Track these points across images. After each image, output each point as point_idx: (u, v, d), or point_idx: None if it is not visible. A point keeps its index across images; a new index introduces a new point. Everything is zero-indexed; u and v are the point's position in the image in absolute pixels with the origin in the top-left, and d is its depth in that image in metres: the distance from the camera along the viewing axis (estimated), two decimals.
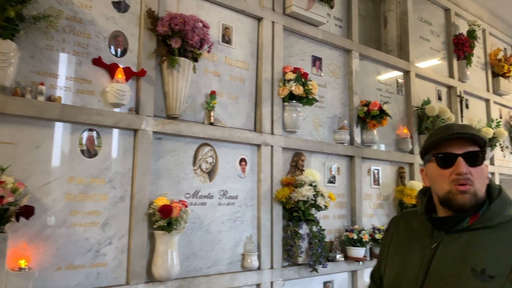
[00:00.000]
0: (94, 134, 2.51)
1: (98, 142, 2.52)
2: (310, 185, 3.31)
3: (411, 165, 4.60)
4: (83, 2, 2.55)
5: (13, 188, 2.01)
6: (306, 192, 3.24)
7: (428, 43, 5.23)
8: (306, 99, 3.48)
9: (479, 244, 1.28)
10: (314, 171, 3.44)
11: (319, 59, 3.91)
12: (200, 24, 2.83)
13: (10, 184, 1.99)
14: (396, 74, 4.71)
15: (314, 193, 3.27)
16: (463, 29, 5.69)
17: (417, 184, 4.28)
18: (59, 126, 2.38)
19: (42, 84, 2.33)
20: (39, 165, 2.29)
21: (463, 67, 5.53)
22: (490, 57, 6.19)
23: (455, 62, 5.49)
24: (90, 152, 2.49)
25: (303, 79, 3.46)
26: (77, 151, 2.43)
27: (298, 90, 3.38)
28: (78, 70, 2.50)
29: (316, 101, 3.55)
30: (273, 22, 3.48)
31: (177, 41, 2.72)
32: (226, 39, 3.24)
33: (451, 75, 5.43)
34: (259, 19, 3.44)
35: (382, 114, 4.05)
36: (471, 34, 5.59)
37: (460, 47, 5.46)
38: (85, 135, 2.47)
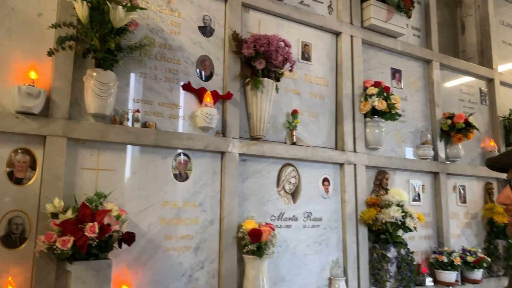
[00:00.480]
0: (185, 158, 2.53)
1: (189, 165, 2.53)
2: (397, 205, 3.13)
3: (499, 180, 4.25)
4: (172, 28, 2.60)
5: (117, 215, 2.05)
6: (394, 213, 3.06)
7: None
8: (389, 114, 3.32)
9: None
10: (400, 190, 3.26)
11: (399, 71, 3.73)
12: (282, 44, 2.79)
13: (115, 212, 2.04)
14: (479, 82, 4.40)
15: (403, 214, 3.09)
16: None
17: None
18: (153, 152, 2.42)
19: (138, 111, 2.39)
20: (136, 191, 2.34)
21: None
22: None
23: None
24: (182, 176, 2.50)
25: (385, 93, 3.31)
26: (170, 176, 2.46)
27: (381, 105, 3.24)
28: (169, 95, 2.54)
29: (400, 115, 3.38)
30: (351, 36, 3.38)
31: (261, 62, 2.69)
32: (306, 56, 3.17)
33: None
34: (337, 34, 3.35)
35: (468, 127, 3.78)
36: None
37: None
38: (178, 159, 2.50)
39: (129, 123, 2.36)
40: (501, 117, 4.41)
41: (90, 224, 1.85)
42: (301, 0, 3.20)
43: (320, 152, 3.05)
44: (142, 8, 2.22)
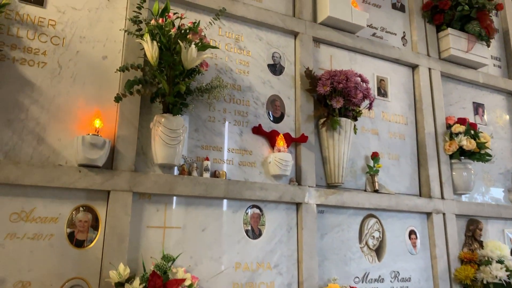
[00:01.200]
0: (258, 211, 2.22)
1: (262, 220, 2.22)
2: (498, 261, 2.66)
3: None
4: (241, 68, 2.37)
5: (190, 284, 1.75)
6: (496, 272, 2.59)
7: None
8: (478, 154, 2.91)
9: None
10: (499, 243, 2.78)
11: (481, 106, 3.33)
12: (359, 79, 2.50)
13: (189, 281, 1.73)
14: None
15: (508, 273, 2.60)
16: None
17: None
18: (224, 205, 2.14)
19: (207, 159, 2.13)
20: (206, 250, 2.04)
21: None
22: None
23: None
24: (254, 232, 2.19)
25: (472, 131, 2.92)
26: (242, 232, 2.15)
27: (470, 144, 2.84)
28: (239, 140, 2.28)
29: (490, 156, 2.95)
30: (429, 69, 3.04)
31: (338, 100, 2.40)
32: (382, 92, 2.86)
33: None
34: (413, 67, 3.03)
35: None
36: None
37: None
38: (250, 212, 2.19)
39: (197, 173, 2.09)
40: None
41: None
42: (373, 32, 2.92)
43: (405, 200, 2.66)
44: (214, 47, 2.00)
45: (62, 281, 1.74)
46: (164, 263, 1.79)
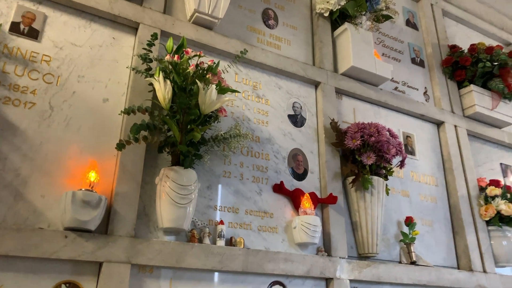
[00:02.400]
0: None
1: None
2: None
3: None
4: (260, 117, 2.09)
5: None
6: None
7: None
8: None
9: None
10: None
11: (509, 167, 3.08)
12: (387, 133, 2.23)
13: None
14: None
15: None
16: None
17: None
18: (241, 280, 1.73)
19: (221, 222, 1.76)
20: None
21: None
22: None
23: None
24: None
25: (509, 194, 2.62)
26: None
27: (509, 209, 2.53)
28: (259, 200, 1.93)
29: None
30: (455, 126, 2.82)
31: (369, 156, 2.11)
32: (409, 149, 2.59)
33: None
34: (438, 124, 2.80)
35: None
36: None
37: None
38: None
39: (210, 240, 1.71)
40: None
41: None
42: (395, 86, 2.72)
43: (446, 275, 2.28)
44: (235, 91, 1.72)
45: None
46: None
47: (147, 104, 1.73)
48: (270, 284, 1.79)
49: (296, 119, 2.22)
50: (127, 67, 1.77)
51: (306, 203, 1.95)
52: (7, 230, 1.35)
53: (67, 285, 1.42)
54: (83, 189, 1.46)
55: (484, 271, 2.45)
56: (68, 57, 1.71)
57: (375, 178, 2.15)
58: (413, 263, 2.21)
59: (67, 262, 1.43)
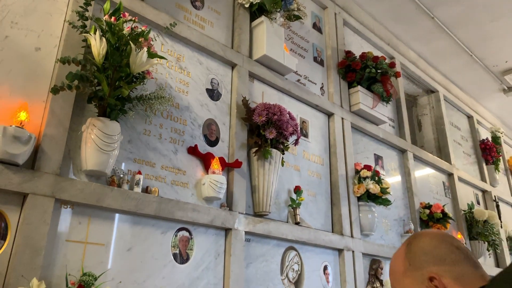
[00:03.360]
0: (187, 234, 2.10)
1: (191, 244, 2.10)
2: None
3: None
4: (181, 87, 2.34)
5: None
6: None
7: (461, 147, 5.27)
8: (381, 198, 3.22)
9: None
10: None
11: (381, 158, 3.76)
12: (288, 116, 2.65)
13: None
14: (441, 176, 4.60)
15: None
16: (484, 135, 5.86)
17: None
18: (153, 224, 1.98)
19: (139, 173, 1.98)
20: (129, 273, 1.83)
21: (492, 172, 5.53)
22: (509, 163, 6.29)
23: (484, 166, 5.51)
24: (182, 256, 2.04)
25: (376, 177, 3.25)
26: (169, 256, 1.99)
27: (375, 188, 3.14)
28: (174, 158, 2.18)
29: (390, 201, 3.29)
30: (342, 118, 3.37)
31: (271, 131, 2.49)
32: (304, 132, 3.06)
33: (482, 179, 5.40)
34: (329, 115, 3.32)
35: (445, 217, 3.81)
36: (495, 140, 5.74)
37: (488, 152, 5.53)
38: (179, 235, 2.06)
39: (127, 187, 1.93)
40: (463, 210, 4.56)
41: None
42: (298, 78, 3.17)
43: (322, 236, 2.77)
44: (161, 57, 1.96)
45: None
46: (90, 278, 1.55)
47: (78, 57, 1.87)
48: (177, 229, 2.07)
49: (213, 94, 2.52)
50: (65, 21, 1.89)
51: (215, 164, 2.26)
52: None
53: None
54: (14, 125, 1.58)
55: (352, 236, 3.01)
56: (2, 2, 1.78)
57: (274, 150, 2.54)
58: (297, 223, 2.66)
59: None
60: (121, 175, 1.93)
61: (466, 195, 4.89)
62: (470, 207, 4.64)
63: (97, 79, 1.81)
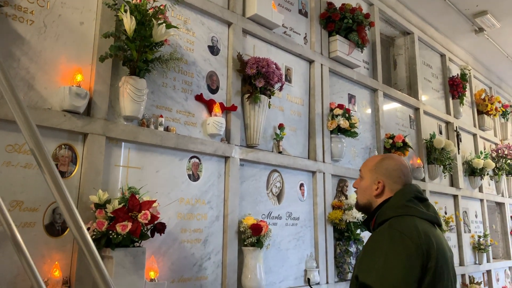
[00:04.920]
0: (197, 160, 2.85)
1: (200, 167, 2.86)
2: None
3: (423, 191, 5.14)
4: (188, 46, 2.94)
5: (155, 206, 2.31)
6: (355, 214, 3.67)
7: (430, 84, 5.94)
8: (349, 132, 3.97)
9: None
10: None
11: (354, 97, 4.44)
12: (274, 66, 3.28)
13: (156, 204, 2.29)
14: (408, 110, 5.33)
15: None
16: (455, 72, 6.49)
17: None
18: (173, 154, 2.71)
19: (161, 116, 2.67)
20: (159, 187, 2.60)
21: (457, 106, 6.27)
22: (475, 97, 7.02)
23: (450, 101, 6.23)
24: (194, 176, 2.81)
25: (347, 114, 3.96)
26: (185, 176, 2.76)
27: (345, 123, 3.87)
28: (185, 104, 2.86)
29: (357, 134, 4.04)
30: (321, 65, 3.99)
31: (261, 81, 3.14)
32: (288, 78, 3.70)
33: (447, 112, 6.15)
34: (310, 62, 3.93)
35: (405, 146, 4.61)
36: (463, 77, 6.39)
37: (455, 88, 6.22)
38: (191, 161, 2.81)
39: (154, 127, 2.62)
40: (424, 140, 5.37)
41: (144, 212, 2.11)
42: (284, 31, 3.73)
43: (299, 161, 3.56)
44: (175, 27, 2.54)
45: (48, 203, 2.14)
46: (135, 189, 2.31)
47: (111, 29, 2.46)
48: (190, 157, 2.81)
49: (213, 49, 3.12)
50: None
51: (217, 108, 2.95)
52: (28, 108, 2.08)
53: (65, 146, 2.25)
54: (75, 85, 2.23)
55: (324, 161, 3.81)
56: None
57: (262, 96, 3.21)
58: (280, 152, 3.43)
59: (65, 131, 2.23)
60: (148, 118, 2.62)
61: (430, 127, 5.66)
62: (432, 136, 5.44)
63: (129, 47, 2.42)
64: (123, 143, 2.48)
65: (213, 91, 3.07)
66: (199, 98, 2.93)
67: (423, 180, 5.15)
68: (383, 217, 1.75)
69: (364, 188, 1.90)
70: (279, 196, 3.40)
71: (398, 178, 1.85)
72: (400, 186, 1.83)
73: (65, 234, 2.19)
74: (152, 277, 2.38)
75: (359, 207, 1.96)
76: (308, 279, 3.38)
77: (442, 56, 6.34)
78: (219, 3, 3.19)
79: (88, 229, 2.10)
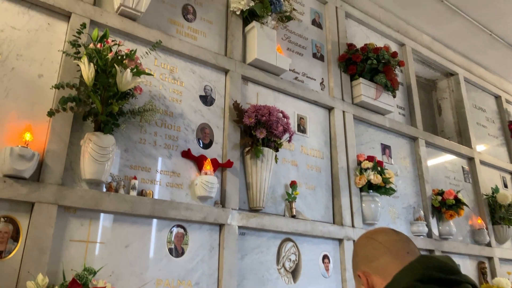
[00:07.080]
0: (182, 230, 2.34)
1: (185, 239, 2.34)
2: None
3: (490, 259, 4.19)
4: (174, 96, 2.57)
5: None
6: None
7: (485, 129, 5.13)
8: (384, 188, 3.30)
9: None
10: None
11: (388, 147, 3.80)
12: (281, 115, 2.80)
13: None
14: (461, 161, 4.54)
15: None
16: None
17: (505, 282, 3.83)
18: (148, 223, 2.23)
19: (135, 178, 2.24)
20: (128, 267, 2.09)
21: None
22: None
23: None
24: (177, 250, 2.29)
25: (379, 168, 3.32)
26: (165, 250, 2.24)
27: (376, 179, 3.22)
28: (168, 162, 2.42)
29: (394, 190, 3.36)
30: (343, 112, 3.46)
31: (262, 131, 2.66)
32: (301, 128, 3.19)
33: (511, 161, 5.22)
34: (329, 109, 3.42)
35: (458, 203, 3.80)
36: None
37: None
38: (174, 231, 2.30)
39: (124, 191, 2.19)
40: (485, 195, 4.48)
41: None
42: (295, 76, 3.29)
43: (320, 227, 2.92)
44: (148, 74, 2.19)
45: None
46: (85, 273, 1.83)
47: (76, 81, 2.14)
48: (173, 226, 2.31)
49: (206, 99, 2.72)
50: (58, 50, 2.16)
51: (207, 166, 2.48)
52: None
53: (5, 218, 1.85)
54: (19, 146, 1.88)
55: (353, 226, 3.13)
56: (8, 39, 2.08)
57: (266, 149, 2.71)
58: (293, 216, 2.83)
59: (5, 201, 1.85)
60: (117, 181, 2.19)
61: (490, 179, 4.78)
62: (494, 191, 4.55)
63: (91, 98, 2.07)
64: (82, 212, 2.04)
65: (206, 145, 2.62)
66: (186, 154, 2.49)
67: (489, 245, 4.21)
68: None
69: None
70: (294, 273, 2.74)
71: (375, 250, 1.19)
72: (398, 263, 1.17)
73: None
74: None
75: None
76: None
77: (497, 97, 5.55)
78: (214, 49, 2.84)
79: None
